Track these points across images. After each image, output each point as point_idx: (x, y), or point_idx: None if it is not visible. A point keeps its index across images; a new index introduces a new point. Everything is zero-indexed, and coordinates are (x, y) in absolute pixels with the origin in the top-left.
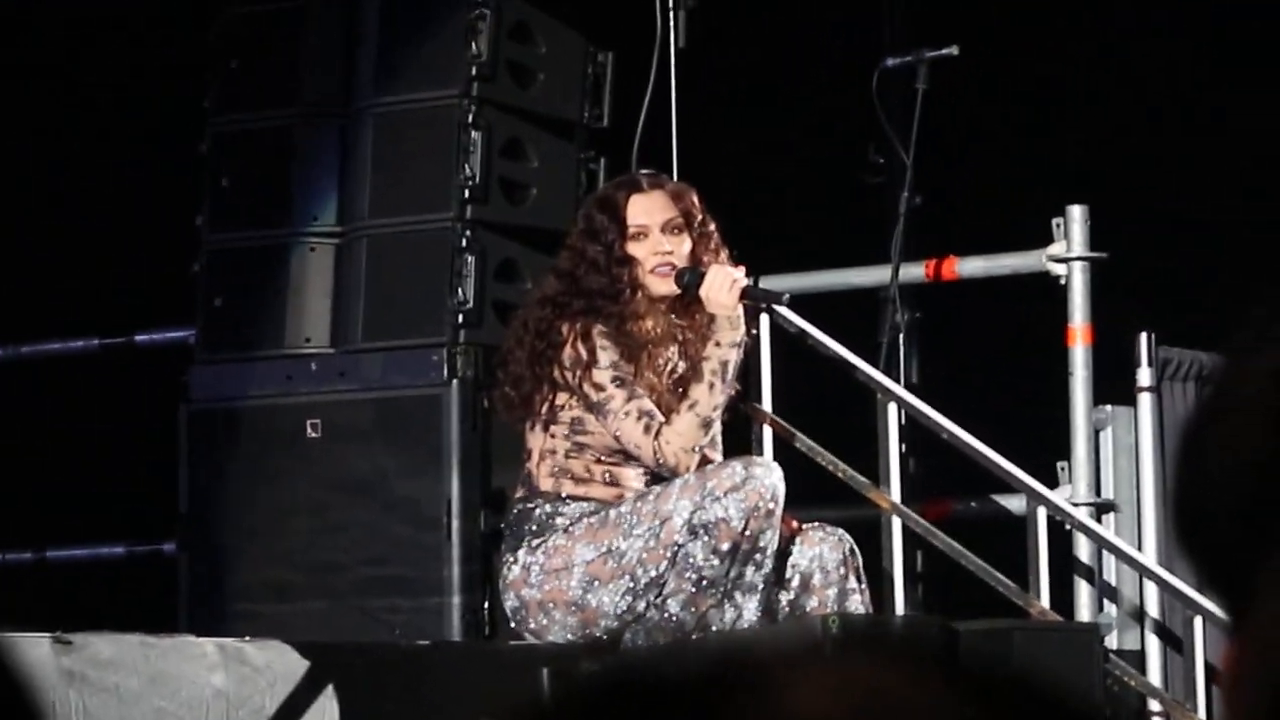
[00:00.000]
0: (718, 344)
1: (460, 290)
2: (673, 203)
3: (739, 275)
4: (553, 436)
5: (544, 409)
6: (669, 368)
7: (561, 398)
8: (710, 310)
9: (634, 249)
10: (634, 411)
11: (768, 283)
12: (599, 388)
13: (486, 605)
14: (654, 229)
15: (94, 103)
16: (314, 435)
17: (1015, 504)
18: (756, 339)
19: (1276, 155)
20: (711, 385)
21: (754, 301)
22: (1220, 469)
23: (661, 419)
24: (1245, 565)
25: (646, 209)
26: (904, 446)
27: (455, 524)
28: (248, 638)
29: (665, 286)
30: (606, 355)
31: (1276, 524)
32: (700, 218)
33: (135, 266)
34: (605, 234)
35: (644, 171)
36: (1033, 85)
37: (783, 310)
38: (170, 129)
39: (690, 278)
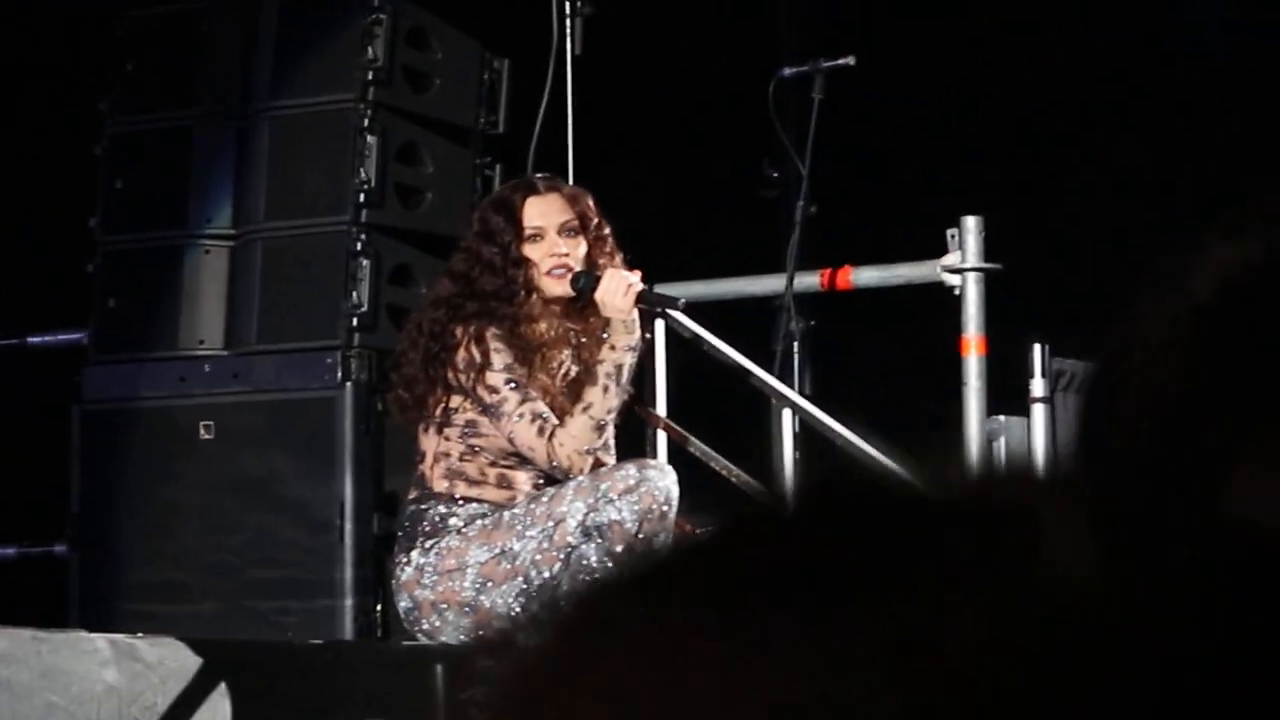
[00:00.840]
0: (612, 347)
1: (355, 294)
2: (569, 205)
3: (634, 280)
4: (446, 439)
5: (438, 411)
6: (562, 370)
7: (455, 400)
8: (605, 314)
9: (529, 251)
10: (527, 414)
11: (663, 290)
12: (492, 390)
13: (379, 608)
14: (550, 231)
15: None
16: (207, 437)
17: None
18: (651, 343)
19: (1169, 165)
20: (606, 388)
21: (649, 306)
22: (1130, 407)
23: (555, 421)
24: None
25: (542, 211)
26: (797, 453)
27: (348, 526)
28: (140, 634)
29: (560, 288)
30: (500, 358)
31: (1183, 465)
32: (596, 221)
33: (28, 267)
34: (501, 235)
35: (540, 175)
36: (928, 96)
37: (677, 315)
38: (65, 130)
39: (585, 281)
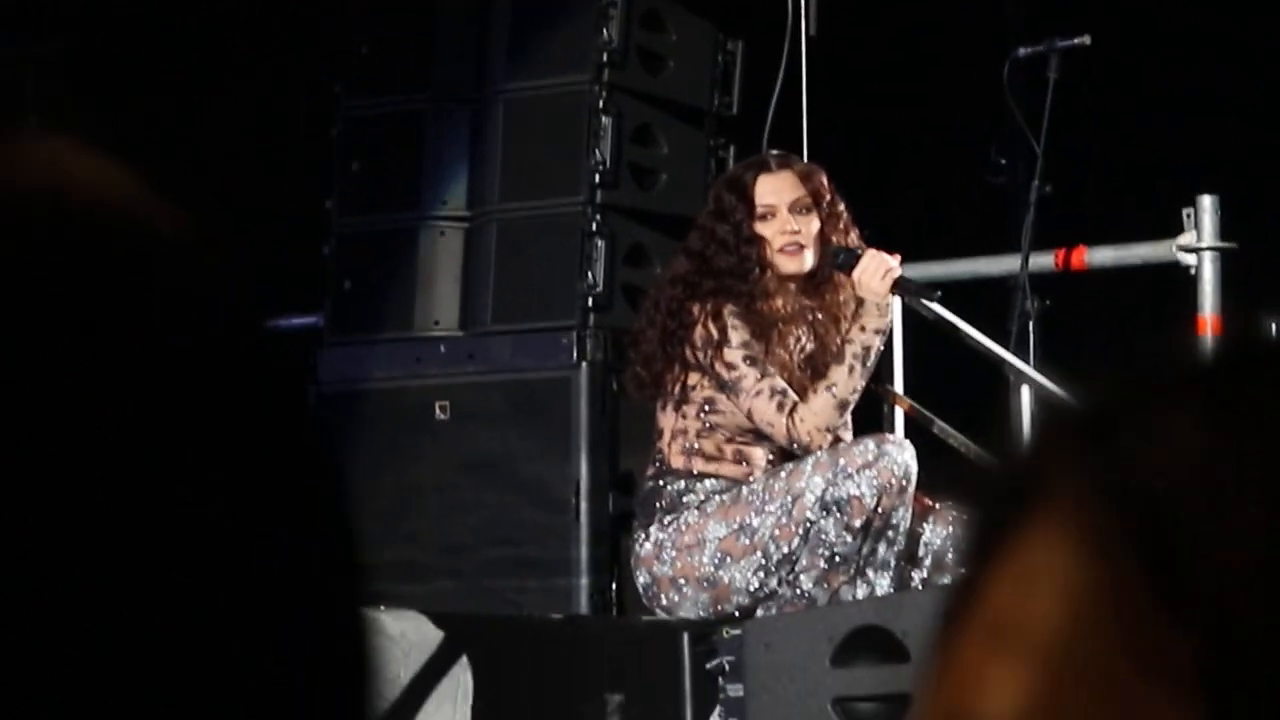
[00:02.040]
0: (862, 328)
1: (590, 274)
2: (801, 182)
3: (894, 264)
4: (684, 416)
5: (675, 389)
6: (799, 347)
7: (693, 377)
8: (860, 294)
9: (762, 228)
10: (766, 390)
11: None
12: (730, 366)
13: (614, 586)
14: (782, 208)
15: (229, 90)
16: (442, 417)
17: None
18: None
19: None
20: (852, 368)
21: (906, 294)
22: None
23: (795, 398)
24: None
25: (774, 189)
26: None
27: (584, 505)
28: (383, 607)
29: (794, 265)
30: (737, 334)
31: None
32: (829, 198)
33: (264, 250)
34: (733, 214)
35: (773, 152)
36: (1163, 74)
37: (934, 306)
38: (302, 113)
39: (845, 257)
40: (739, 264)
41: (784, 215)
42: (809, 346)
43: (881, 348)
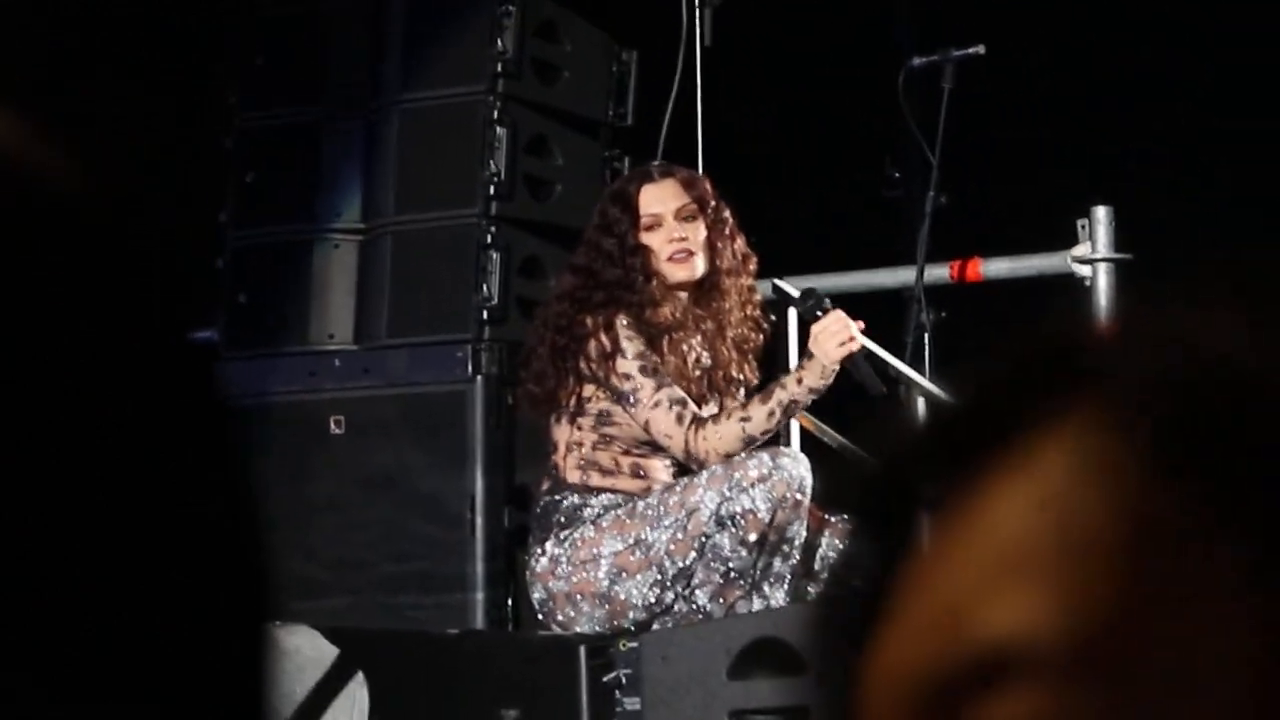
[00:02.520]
0: (799, 381)
1: (485, 287)
2: (684, 190)
3: (856, 334)
4: (579, 429)
5: (570, 402)
6: (694, 356)
7: (588, 390)
8: (811, 348)
9: (648, 238)
10: (664, 400)
11: (797, 283)
12: (626, 377)
13: (511, 602)
14: (667, 216)
15: (117, 98)
16: (338, 431)
17: None
18: (783, 331)
19: None
20: (772, 413)
21: (854, 371)
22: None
23: (695, 410)
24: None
25: (659, 197)
26: None
27: (479, 520)
28: (276, 623)
29: (684, 272)
30: (632, 345)
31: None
32: (714, 204)
33: (159, 264)
34: (618, 225)
35: (655, 163)
36: (1058, 85)
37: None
38: (195, 124)
39: (812, 306)
40: (625, 275)
41: (670, 223)
42: (703, 356)
43: (807, 403)
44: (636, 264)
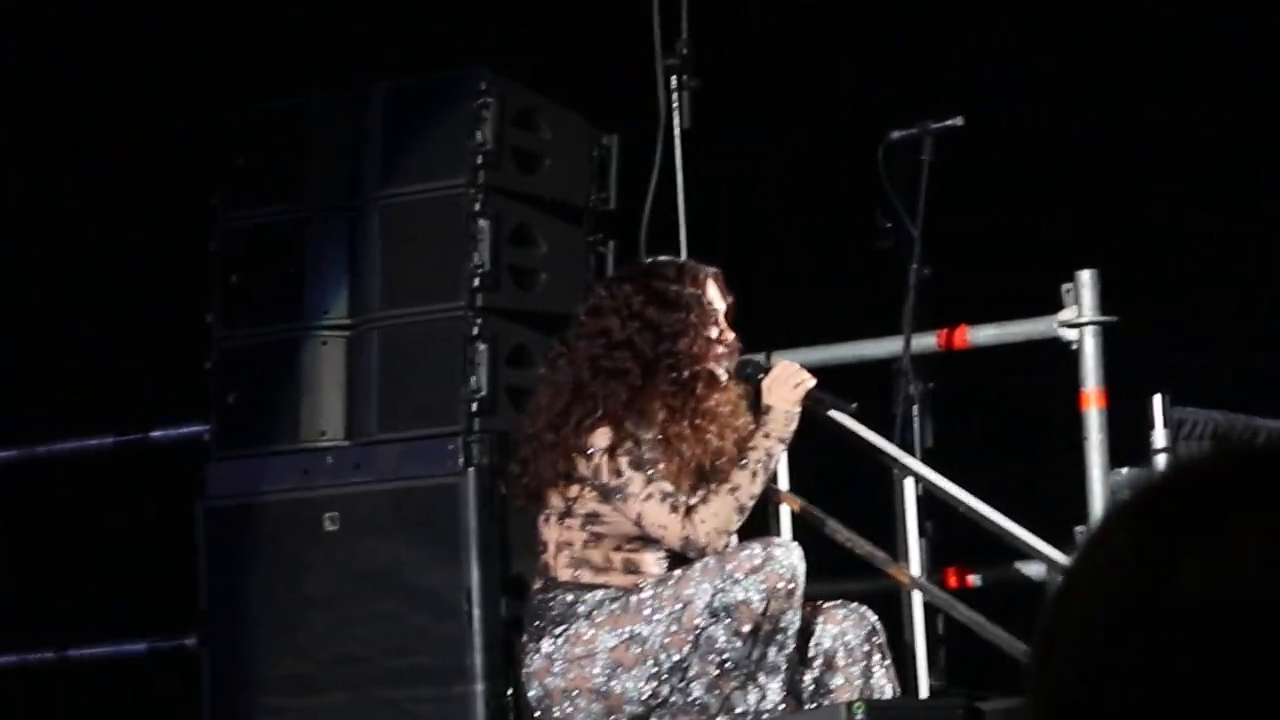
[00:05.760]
0: (767, 435)
1: (473, 378)
2: (726, 292)
3: (807, 376)
4: (568, 529)
5: (557, 502)
6: (713, 448)
7: (573, 490)
8: (768, 400)
9: (713, 331)
10: (656, 493)
11: (782, 357)
12: (616, 473)
13: (511, 692)
14: (720, 314)
15: (103, 201)
16: (332, 528)
17: (1036, 570)
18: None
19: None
20: (755, 474)
21: (820, 407)
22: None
23: (686, 499)
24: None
25: (719, 294)
26: (922, 516)
27: (476, 612)
28: None
29: (724, 369)
30: (616, 439)
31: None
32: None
33: (149, 364)
34: (690, 309)
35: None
36: (1037, 152)
37: (845, 420)
38: (180, 227)
39: (753, 370)
40: (685, 357)
41: (722, 321)
42: (720, 446)
43: (782, 456)
44: (700, 350)
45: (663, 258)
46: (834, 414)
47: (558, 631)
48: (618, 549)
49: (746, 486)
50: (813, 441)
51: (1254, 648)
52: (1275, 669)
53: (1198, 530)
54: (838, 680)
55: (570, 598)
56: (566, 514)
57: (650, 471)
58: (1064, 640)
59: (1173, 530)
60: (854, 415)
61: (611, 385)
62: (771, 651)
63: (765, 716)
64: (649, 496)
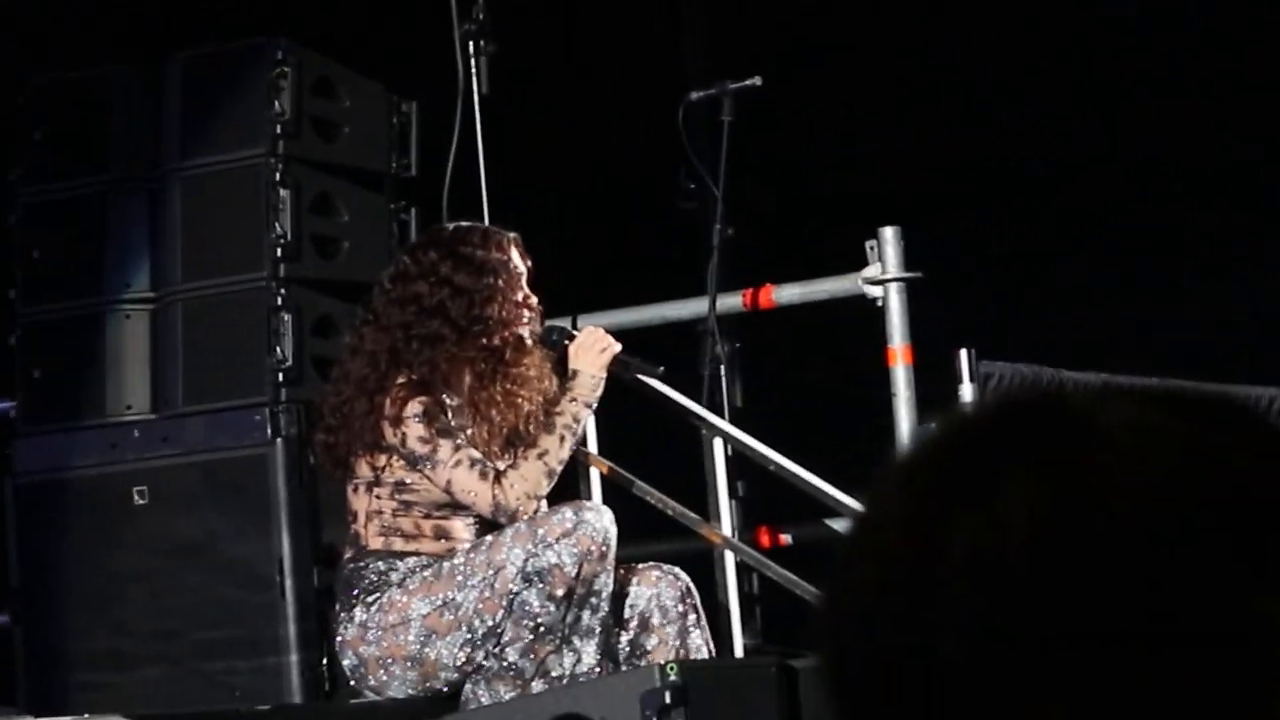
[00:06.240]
0: (573, 399)
1: (279, 349)
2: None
3: (611, 342)
4: (377, 498)
5: (365, 471)
6: (525, 412)
7: (380, 459)
8: (575, 366)
9: (519, 296)
10: (465, 459)
11: (586, 321)
12: (423, 440)
13: (325, 662)
14: (523, 277)
15: None
16: (141, 502)
17: (848, 527)
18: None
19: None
20: (562, 438)
21: (626, 371)
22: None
23: (495, 465)
24: None
25: (520, 258)
26: (734, 476)
27: (289, 582)
28: (86, 715)
29: (531, 328)
30: (423, 406)
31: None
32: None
33: None
34: (498, 273)
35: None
36: (839, 110)
37: (653, 383)
38: None
39: (558, 336)
40: (486, 325)
41: (525, 285)
42: (530, 411)
43: (589, 420)
44: (509, 315)
45: (463, 224)
46: (641, 378)
47: (370, 600)
48: (427, 516)
49: (555, 451)
50: (622, 404)
51: (1024, 611)
52: (1045, 631)
53: (967, 492)
54: (653, 641)
55: (382, 566)
56: (375, 483)
57: (458, 439)
58: (843, 611)
59: (942, 496)
60: (661, 379)
61: (425, 352)
62: (585, 615)
63: (581, 679)
64: (458, 463)
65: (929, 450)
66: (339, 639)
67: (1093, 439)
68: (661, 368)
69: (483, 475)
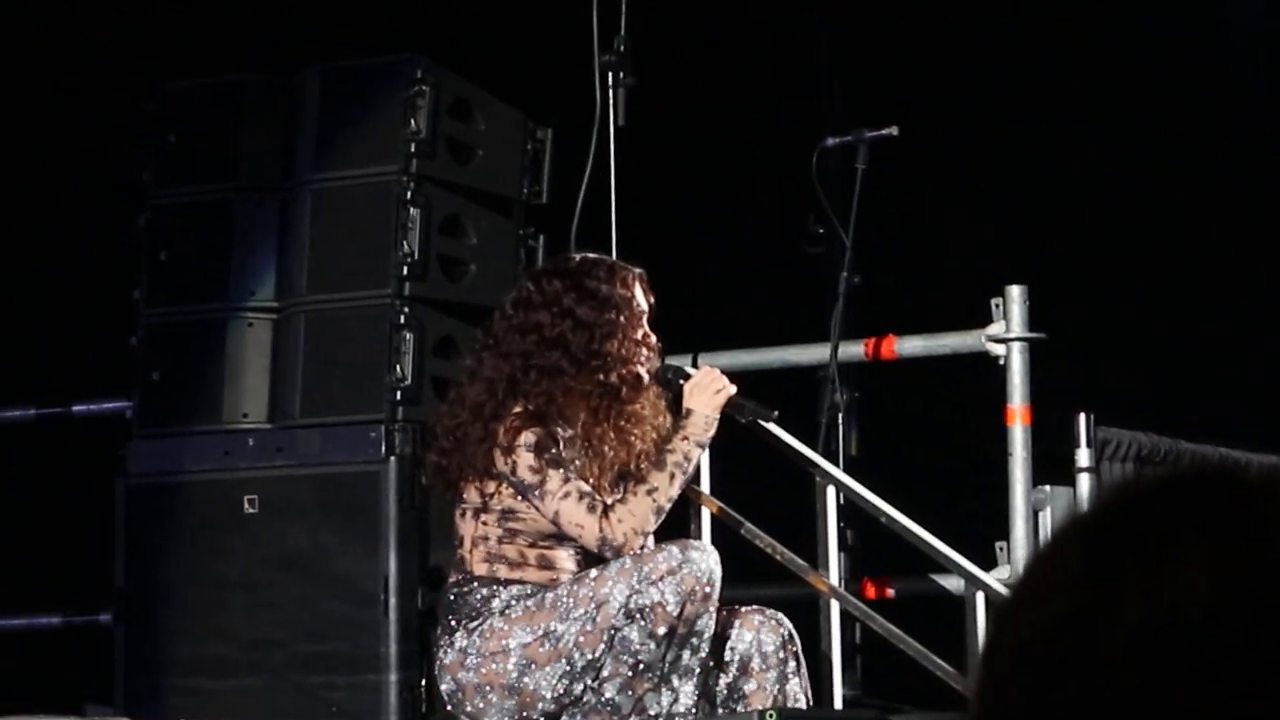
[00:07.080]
0: (686, 438)
1: (398, 367)
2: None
3: (727, 383)
4: (484, 524)
5: (473, 496)
6: (637, 450)
7: (490, 486)
8: (689, 405)
9: (639, 334)
10: (574, 492)
11: (707, 360)
12: (533, 470)
13: (424, 684)
14: (646, 315)
15: (34, 175)
16: (251, 511)
17: (955, 584)
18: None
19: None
20: (673, 476)
21: (740, 414)
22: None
23: (603, 499)
24: None
25: (645, 294)
26: (843, 525)
27: (393, 601)
28: (181, 718)
29: (648, 367)
30: (536, 437)
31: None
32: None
33: (73, 338)
34: (620, 309)
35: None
36: (972, 165)
37: (770, 426)
38: (110, 202)
39: (675, 374)
40: (614, 360)
41: (645, 323)
42: (642, 449)
43: (700, 459)
44: (629, 353)
45: (589, 255)
46: (755, 420)
47: (472, 626)
48: (532, 545)
49: (664, 488)
50: (737, 446)
51: (1193, 676)
52: (1212, 698)
53: (1143, 556)
54: (751, 686)
55: (485, 592)
56: (483, 509)
57: (569, 471)
58: (1006, 661)
59: (1118, 555)
60: (775, 422)
61: (543, 384)
62: (685, 654)
63: (677, 719)
64: (566, 495)
65: (1106, 510)
66: (439, 663)
67: (1274, 511)
68: (776, 412)
69: (590, 508)
